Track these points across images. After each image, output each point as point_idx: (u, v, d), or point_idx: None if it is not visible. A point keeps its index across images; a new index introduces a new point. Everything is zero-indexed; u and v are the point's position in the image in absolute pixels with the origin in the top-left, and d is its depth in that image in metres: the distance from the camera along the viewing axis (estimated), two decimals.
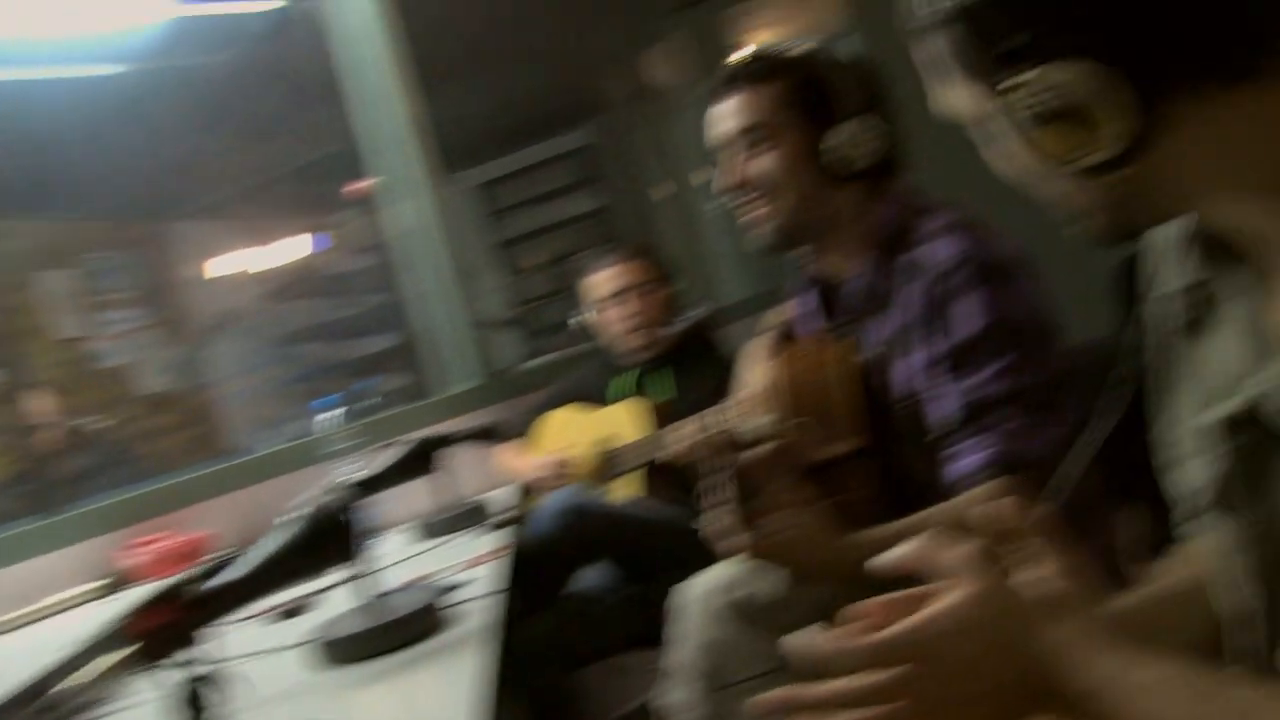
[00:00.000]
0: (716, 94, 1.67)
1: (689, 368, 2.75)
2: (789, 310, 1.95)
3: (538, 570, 2.41)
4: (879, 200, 1.64)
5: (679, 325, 2.82)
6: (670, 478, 2.61)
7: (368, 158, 3.33)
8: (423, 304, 3.35)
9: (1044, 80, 0.73)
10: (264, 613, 1.86)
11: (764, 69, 1.62)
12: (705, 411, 2.33)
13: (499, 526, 2.32)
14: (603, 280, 2.79)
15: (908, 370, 1.54)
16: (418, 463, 1.62)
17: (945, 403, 1.49)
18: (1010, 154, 0.81)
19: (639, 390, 2.80)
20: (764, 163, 1.62)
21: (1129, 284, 0.97)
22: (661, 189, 5.26)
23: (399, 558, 2.23)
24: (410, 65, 3.27)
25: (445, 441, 2.52)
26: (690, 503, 2.53)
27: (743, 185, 1.64)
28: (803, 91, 1.60)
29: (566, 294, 7.15)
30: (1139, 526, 1.56)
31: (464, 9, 4.54)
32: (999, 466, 1.42)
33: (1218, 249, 0.84)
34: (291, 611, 1.86)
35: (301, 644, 1.58)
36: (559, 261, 7.19)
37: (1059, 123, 0.73)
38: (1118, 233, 0.84)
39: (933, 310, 1.49)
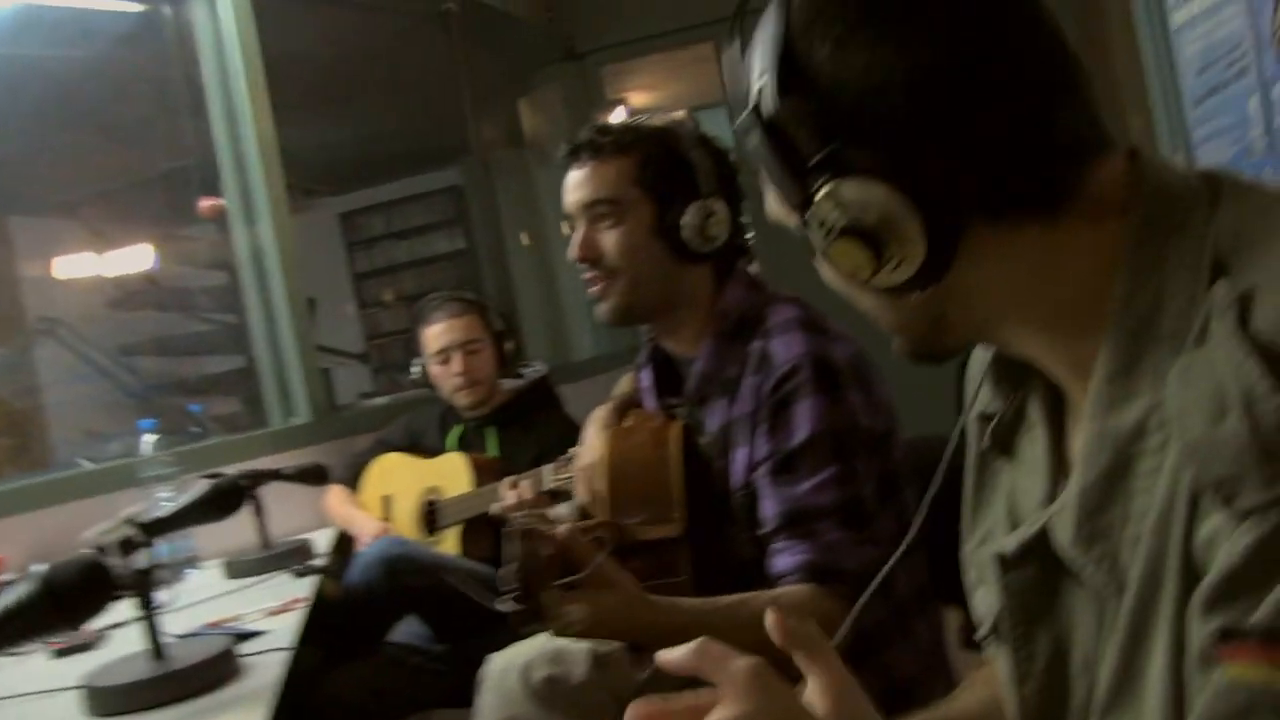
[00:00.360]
0: (569, 162, 1.66)
1: (518, 427, 2.73)
2: (632, 382, 1.95)
3: (354, 618, 2.34)
4: (725, 284, 1.64)
5: (513, 383, 2.79)
6: (489, 536, 2.58)
7: (223, 174, 3.22)
8: (265, 330, 3.24)
9: (835, 196, 0.72)
10: (40, 646, 1.75)
11: (614, 143, 1.61)
12: (527, 474, 2.32)
13: (313, 572, 2.24)
14: (433, 335, 2.76)
15: (744, 460, 1.55)
16: (223, 501, 1.54)
17: (767, 504, 1.50)
18: (821, 265, 0.81)
19: (466, 445, 2.77)
20: (607, 239, 1.60)
21: (958, 393, 0.98)
22: (523, 237, 5.24)
23: (200, 597, 2.12)
24: (273, 85, 3.19)
25: (267, 478, 2.46)
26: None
27: (585, 259, 1.63)
28: (652, 168, 1.59)
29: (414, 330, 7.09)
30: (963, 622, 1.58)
31: (341, 36, 4.48)
32: (809, 574, 1.44)
33: (1028, 372, 0.85)
34: (70, 649, 1.75)
35: (73, 688, 1.48)
36: (415, 299, 7.07)
37: (851, 241, 0.73)
38: (922, 352, 0.84)
39: (766, 409, 1.50)
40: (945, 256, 0.73)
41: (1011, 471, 0.87)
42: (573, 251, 1.63)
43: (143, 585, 1.40)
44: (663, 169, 1.59)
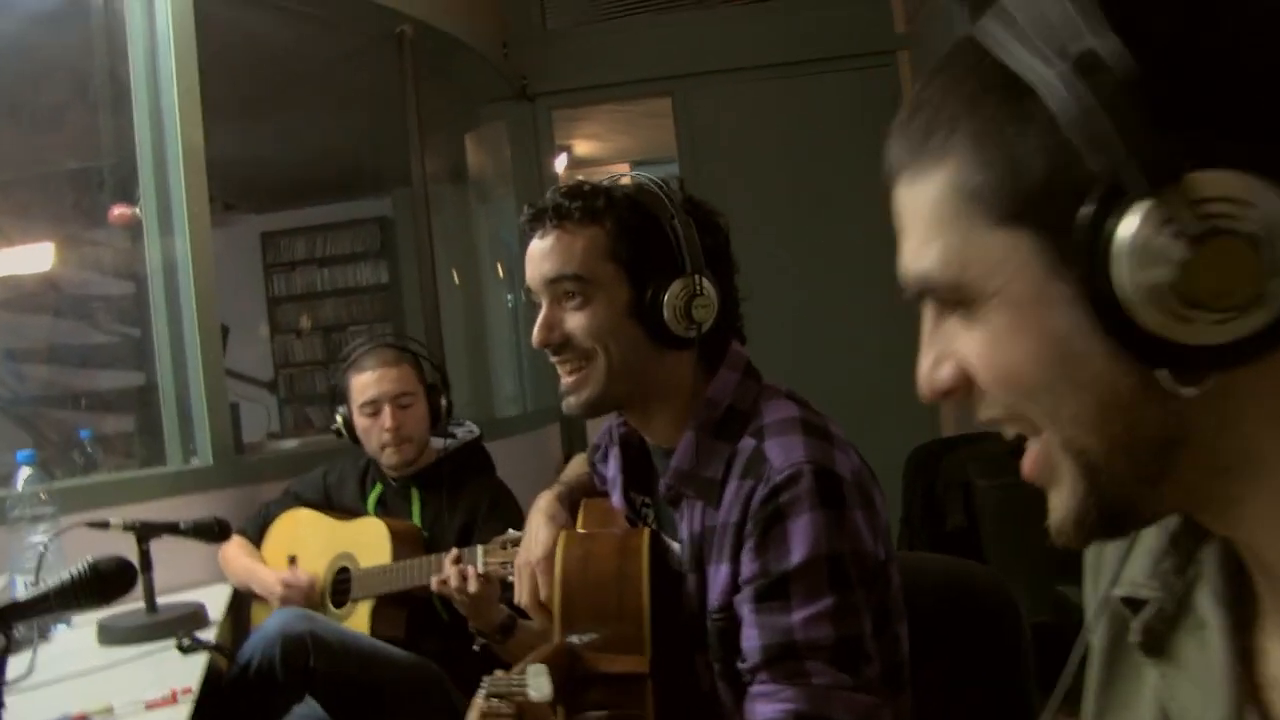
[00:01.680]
0: (531, 229, 1.41)
1: (445, 492, 2.46)
2: (586, 464, 1.71)
3: (246, 698, 2.05)
4: (709, 373, 1.41)
5: (441, 445, 2.53)
6: (401, 615, 2.31)
7: (142, 179, 2.92)
8: (170, 355, 2.92)
9: (1215, 188, 0.50)
10: None
11: (584, 209, 1.37)
12: (460, 551, 2.06)
13: (201, 649, 1.95)
14: (362, 384, 2.46)
15: (724, 579, 1.32)
16: (104, 586, 1.25)
17: (750, 634, 1.27)
18: (1030, 336, 0.57)
19: (386, 506, 2.50)
20: (574, 321, 1.37)
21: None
22: (455, 276, 4.99)
23: (66, 671, 1.82)
24: (204, 88, 2.90)
25: (160, 531, 2.17)
26: (419, 645, 2.27)
27: (548, 344, 1.39)
28: (628, 239, 1.36)
29: (333, 365, 6.79)
30: None
31: (285, 46, 4.21)
32: None
33: (1198, 552, 0.65)
34: None
35: None
36: (331, 330, 6.79)
37: (1236, 242, 0.50)
38: (1097, 520, 0.59)
39: (757, 522, 1.27)
40: None
41: (1167, 676, 0.66)
42: (536, 335, 1.39)
43: None
44: (640, 240, 1.36)
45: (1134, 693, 0.70)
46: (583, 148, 6.57)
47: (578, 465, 1.75)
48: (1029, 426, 0.60)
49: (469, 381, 4.86)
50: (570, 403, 1.40)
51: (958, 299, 0.60)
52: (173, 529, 2.17)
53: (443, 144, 5.01)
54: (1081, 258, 0.52)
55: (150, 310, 2.95)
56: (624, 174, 1.44)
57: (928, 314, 0.63)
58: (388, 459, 2.44)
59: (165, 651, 1.97)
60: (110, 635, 2.05)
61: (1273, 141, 0.50)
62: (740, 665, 1.27)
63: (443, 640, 2.29)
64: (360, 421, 2.45)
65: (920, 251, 0.61)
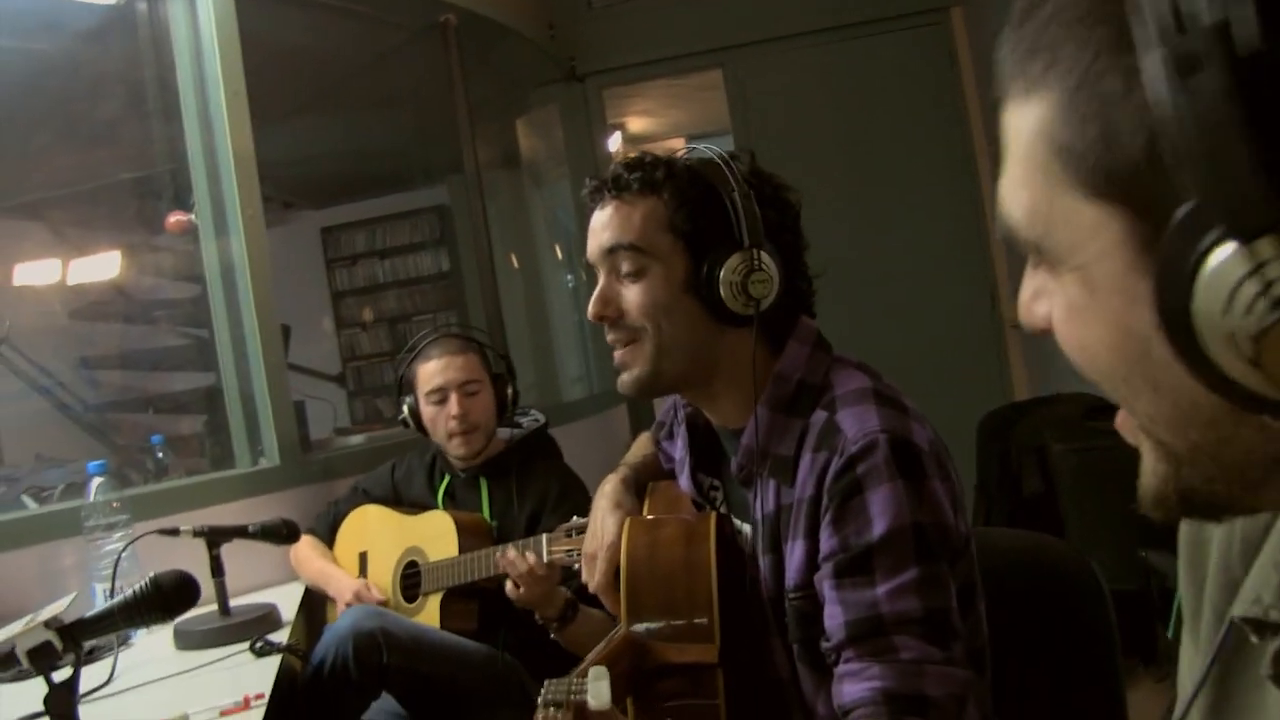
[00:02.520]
0: (592, 200, 1.39)
1: (513, 481, 2.44)
2: (650, 444, 1.68)
3: (322, 698, 2.06)
4: (776, 349, 1.37)
5: (508, 435, 2.51)
6: (472, 608, 2.31)
7: (195, 184, 2.93)
8: (233, 359, 2.94)
9: None
10: None
11: (642, 179, 1.34)
12: (526, 541, 2.06)
13: (275, 651, 1.96)
14: (428, 373, 2.46)
15: (801, 557, 1.28)
16: (165, 601, 1.25)
17: (832, 611, 1.23)
18: (1110, 323, 0.51)
19: (455, 498, 2.49)
20: (631, 294, 1.34)
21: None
22: (513, 260, 4.98)
23: (143, 679, 1.84)
24: (255, 89, 2.91)
25: (230, 535, 2.19)
26: (491, 637, 2.27)
27: (603, 317, 1.36)
28: (686, 211, 1.32)
29: (400, 356, 6.82)
30: None
31: (332, 43, 4.22)
32: (887, 705, 1.16)
33: None
34: None
35: None
36: (396, 321, 6.83)
37: None
38: (1188, 502, 0.54)
39: (834, 495, 1.23)
40: None
41: None
42: (591, 308, 1.36)
43: (62, 702, 1.12)
44: (699, 213, 1.32)
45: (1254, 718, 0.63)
46: (636, 125, 6.52)
47: (643, 445, 1.72)
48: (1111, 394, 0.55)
49: (533, 366, 4.86)
50: (623, 380, 1.38)
51: (1040, 257, 0.54)
52: (241, 533, 2.19)
53: (494, 130, 5.00)
54: (1165, 269, 0.45)
55: (212, 316, 2.97)
56: (682, 149, 1.41)
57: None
58: (455, 449, 2.43)
59: (241, 654, 1.98)
60: (186, 640, 2.07)
61: None
62: (824, 645, 1.23)
63: (516, 630, 2.28)
64: (427, 410, 2.44)
65: (1012, 194, 0.54)
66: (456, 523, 2.33)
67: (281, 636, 2.08)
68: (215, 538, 2.17)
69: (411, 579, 2.39)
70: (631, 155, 1.38)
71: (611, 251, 1.35)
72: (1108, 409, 0.58)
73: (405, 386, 2.52)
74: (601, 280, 1.37)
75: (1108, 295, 0.50)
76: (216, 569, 2.16)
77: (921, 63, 4.69)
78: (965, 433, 3.72)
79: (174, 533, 2.15)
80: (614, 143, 6.34)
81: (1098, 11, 0.47)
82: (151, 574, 1.28)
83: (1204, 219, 0.43)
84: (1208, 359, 0.45)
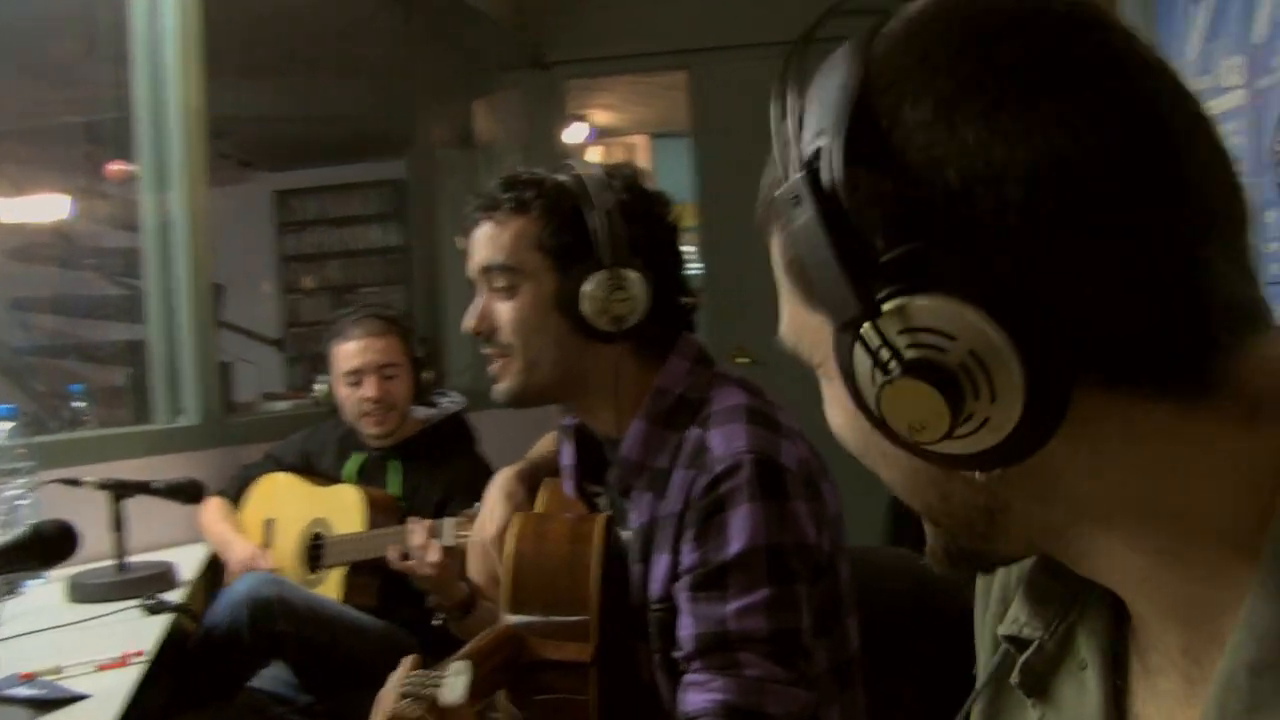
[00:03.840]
0: (473, 219, 1.41)
1: (425, 464, 2.46)
2: (555, 442, 1.70)
3: (212, 660, 2.06)
4: (651, 362, 1.39)
5: (425, 415, 2.52)
6: (375, 584, 2.32)
7: (138, 135, 2.90)
8: (162, 313, 2.91)
9: (911, 314, 0.49)
10: None
11: (514, 199, 1.37)
12: (432, 523, 2.07)
13: (167, 610, 1.95)
14: (346, 354, 2.46)
15: (665, 569, 1.31)
16: (42, 549, 1.25)
17: (685, 623, 1.26)
18: (844, 409, 0.58)
19: (366, 476, 2.49)
20: (503, 311, 1.38)
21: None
22: (458, 241, 4.97)
23: (30, 626, 1.82)
24: (219, 47, 2.89)
25: (133, 490, 2.18)
26: (391, 614, 2.28)
27: (478, 332, 1.40)
28: (554, 229, 1.35)
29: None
30: None
31: (298, 7, 4.19)
32: (721, 718, 1.20)
33: (1081, 593, 0.63)
34: None
35: None
36: (340, 290, 6.80)
37: (922, 382, 0.50)
38: (958, 555, 0.61)
39: (697, 512, 1.27)
40: (1046, 424, 0.49)
41: (1048, 717, 0.65)
42: (466, 322, 1.40)
43: None
44: (566, 231, 1.35)
45: None
46: (599, 118, 6.52)
47: (547, 442, 1.74)
48: None
49: (470, 349, 4.85)
50: (496, 390, 1.41)
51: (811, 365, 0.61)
52: (145, 488, 2.18)
53: (455, 109, 4.98)
54: (840, 362, 0.53)
55: (144, 269, 2.94)
56: (568, 163, 1.43)
57: None
58: (368, 429, 2.44)
59: (133, 611, 1.97)
60: (79, 592, 2.06)
61: (988, 261, 0.49)
62: (675, 654, 1.27)
63: (416, 609, 2.29)
64: (342, 391, 2.45)
65: (782, 312, 0.61)
66: (367, 498, 2.34)
67: (178, 597, 2.08)
68: (119, 491, 2.16)
69: (316, 550, 2.40)
70: (509, 174, 1.41)
71: (485, 271, 1.38)
72: None
73: (323, 364, 2.53)
74: (478, 297, 1.40)
75: (837, 384, 0.56)
76: (117, 523, 2.15)
77: None
78: None
79: (75, 483, 2.13)
80: (580, 134, 6.34)
81: (781, 168, 0.55)
82: (35, 521, 1.28)
83: (839, 322, 0.52)
84: (888, 426, 0.52)
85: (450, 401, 2.59)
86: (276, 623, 2.05)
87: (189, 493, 2.22)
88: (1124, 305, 0.50)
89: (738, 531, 1.23)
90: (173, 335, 2.89)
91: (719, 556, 1.23)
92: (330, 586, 2.32)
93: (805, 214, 0.51)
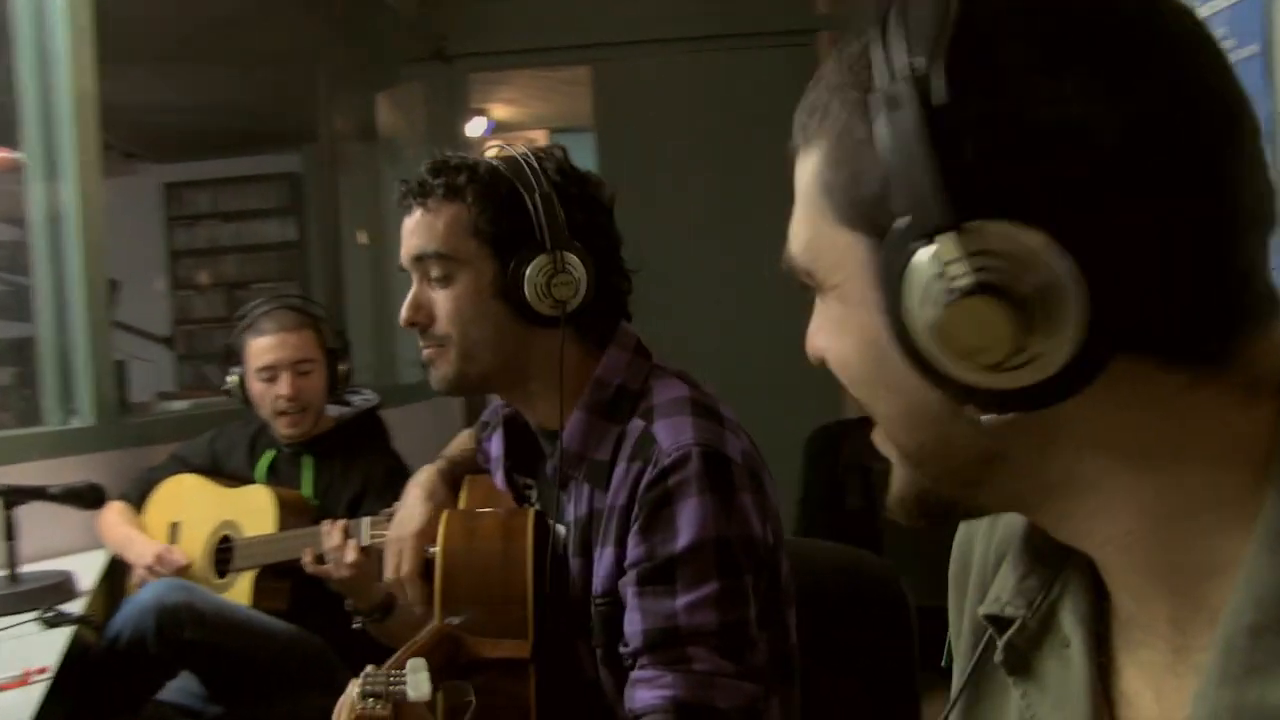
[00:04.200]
0: (404, 206, 1.38)
1: (338, 462, 2.39)
2: (472, 440, 1.67)
3: (117, 672, 1.97)
4: (590, 352, 1.38)
5: (339, 411, 2.45)
6: (285, 587, 2.25)
7: (26, 124, 2.76)
8: (52, 308, 2.78)
9: (997, 238, 0.50)
10: None
11: (446, 185, 1.33)
12: (347, 523, 2.01)
13: (67, 622, 1.86)
14: (259, 349, 2.37)
15: (609, 563, 1.29)
16: None
17: (632, 618, 1.24)
18: (857, 333, 0.59)
19: (277, 474, 2.42)
20: (439, 300, 1.34)
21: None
22: (360, 236, 4.87)
23: None
24: (106, 32, 2.76)
25: (28, 496, 2.07)
26: (302, 618, 2.21)
27: (413, 323, 1.36)
28: (490, 215, 1.32)
29: (235, 324, 6.60)
30: None
31: None
32: (676, 714, 1.18)
33: (1064, 566, 0.64)
34: None
35: None
36: (234, 286, 6.61)
37: (996, 302, 0.50)
38: (933, 504, 0.63)
39: (644, 505, 1.24)
40: (1086, 373, 0.51)
41: (1029, 696, 0.65)
42: (404, 313, 1.36)
43: None
44: (502, 215, 1.32)
45: (998, 713, 0.69)
46: (500, 112, 6.46)
47: (464, 440, 1.71)
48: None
49: (372, 346, 4.77)
50: (432, 378, 1.37)
51: (811, 283, 0.62)
52: (40, 494, 2.07)
53: (356, 101, 4.88)
54: (884, 276, 0.54)
55: (32, 263, 2.81)
56: (495, 145, 1.40)
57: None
58: (282, 427, 2.36)
59: (30, 624, 1.87)
60: None
61: (1074, 205, 0.50)
62: (622, 650, 1.25)
63: (328, 613, 2.23)
64: (255, 387, 2.36)
65: (794, 230, 0.63)
66: (277, 499, 2.26)
67: (77, 607, 1.98)
68: (11, 497, 2.05)
69: (225, 554, 2.31)
70: (437, 160, 1.37)
71: (419, 259, 1.34)
72: None
73: (234, 357, 2.43)
74: (414, 286, 1.36)
75: (855, 308, 0.58)
76: (9, 531, 2.04)
77: (786, 81, 4.74)
78: (794, 446, 3.81)
79: None
80: (479, 128, 6.26)
81: (856, 77, 0.57)
82: None
83: (908, 230, 0.52)
84: (919, 352, 0.53)
85: (363, 399, 2.53)
86: (185, 631, 1.97)
87: (88, 498, 2.12)
88: (1179, 273, 0.52)
89: (686, 525, 1.21)
90: (65, 333, 2.76)
91: (666, 550, 1.21)
92: (239, 591, 2.24)
93: (905, 119, 0.51)
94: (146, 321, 6.01)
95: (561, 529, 1.37)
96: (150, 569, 2.23)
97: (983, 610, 0.68)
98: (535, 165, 1.33)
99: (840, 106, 0.58)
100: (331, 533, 2.00)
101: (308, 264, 6.49)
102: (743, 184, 4.72)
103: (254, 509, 2.27)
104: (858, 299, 0.58)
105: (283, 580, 2.24)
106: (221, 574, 2.29)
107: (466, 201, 1.32)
